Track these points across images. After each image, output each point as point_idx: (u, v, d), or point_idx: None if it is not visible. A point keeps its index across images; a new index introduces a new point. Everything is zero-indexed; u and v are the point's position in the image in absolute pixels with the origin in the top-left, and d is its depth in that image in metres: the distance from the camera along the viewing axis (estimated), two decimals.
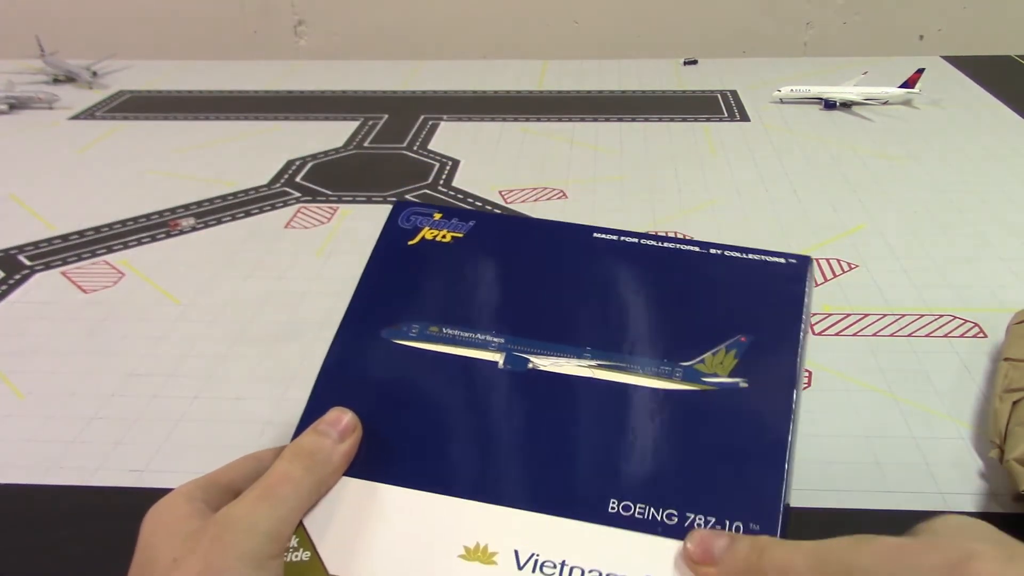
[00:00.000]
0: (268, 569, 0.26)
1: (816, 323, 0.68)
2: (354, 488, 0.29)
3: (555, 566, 0.25)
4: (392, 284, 0.35)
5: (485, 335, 0.31)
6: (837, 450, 0.54)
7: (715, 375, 0.29)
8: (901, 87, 1.19)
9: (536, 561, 0.25)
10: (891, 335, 0.66)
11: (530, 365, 0.31)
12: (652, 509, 0.27)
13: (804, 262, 0.32)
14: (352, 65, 1.45)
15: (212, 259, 0.81)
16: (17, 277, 0.78)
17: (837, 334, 0.67)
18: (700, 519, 0.26)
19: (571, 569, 0.25)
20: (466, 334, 0.31)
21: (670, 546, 0.25)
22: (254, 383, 0.62)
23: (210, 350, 0.67)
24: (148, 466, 0.55)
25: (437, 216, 0.36)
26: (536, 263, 0.34)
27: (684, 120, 1.16)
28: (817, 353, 0.64)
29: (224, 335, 0.69)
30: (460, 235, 0.35)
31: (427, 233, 0.35)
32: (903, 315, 0.69)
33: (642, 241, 0.34)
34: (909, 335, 0.66)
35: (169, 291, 0.76)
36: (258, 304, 0.73)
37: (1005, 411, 0.51)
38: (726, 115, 1.18)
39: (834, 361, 0.63)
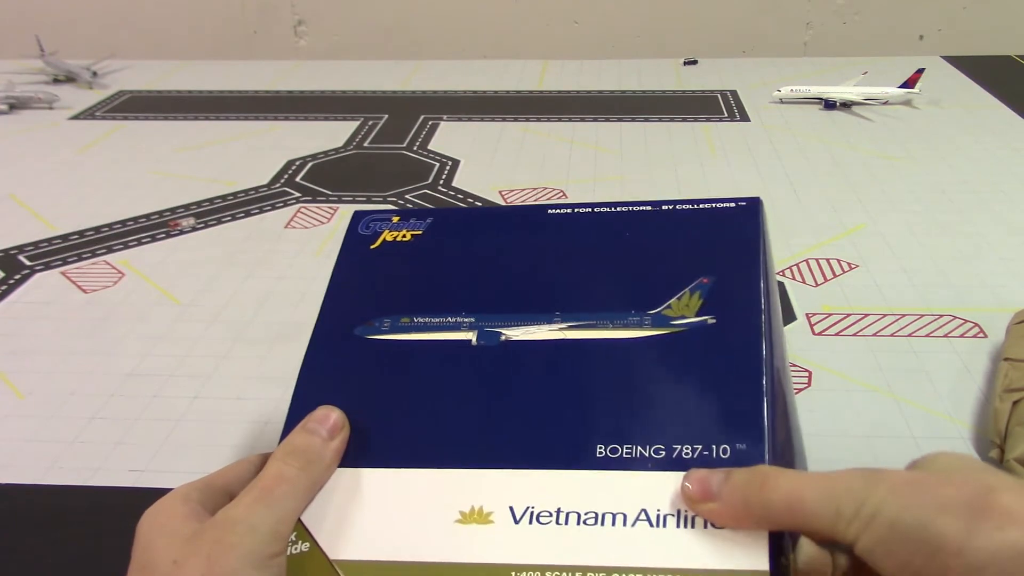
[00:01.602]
0: (271, 568, 0.26)
1: (816, 323, 0.68)
2: (345, 477, 0.29)
3: (551, 514, 0.25)
4: (359, 286, 0.35)
5: (455, 317, 0.32)
6: (837, 450, 0.54)
7: (683, 317, 0.29)
8: (901, 87, 1.19)
9: (531, 513, 0.26)
10: (891, 335, 0.66)
11: (502, 338, 0.31)
12: (639, 447, 0.27)
13: (754, 202, 0.33)
14: (352, 65, 1.45)
15: (212, 259, 0.81)
16: (17, 277, 0.78)
17: (837, 334, 0.67)
18: (687, 448, 0.27)
19: (567, 515, 0.25)
20: (437, 319, 0.32)
21: (661, 478, 0.25)
22: (254, 383, 0.62)
23: (210, 350, 0.67)
24: (148, 466, 0.55)
25: (395, 219, 0.36)
26: (496, 245, 0.34)
27: (684, 120, 1.16)
28: (817, 353, 0.64)
29: (224, 335, 0.69)
30: (419, 232, 0.36)
31: (387, 235, 0.36)
32: (903, 315, 0.69)
33: (595, 209, 0.35)
34: (909, 335, 0.66)
35: (169, 291, 0.76)
36: (258, 304, 0.73)
37: (1005, 411, 0.51)
38: (726, 115, 1.18)
39: (834, 361, 0.63)
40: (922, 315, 0.69)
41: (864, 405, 0.59)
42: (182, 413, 0.59)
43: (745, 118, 1.16)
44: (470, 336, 0.31)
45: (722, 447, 0.26)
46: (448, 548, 0.25)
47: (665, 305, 0.30)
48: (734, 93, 1.26)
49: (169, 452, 0.56)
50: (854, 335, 0.66)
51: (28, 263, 0.81)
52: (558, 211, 0.35)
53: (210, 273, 0.78)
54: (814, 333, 0.67)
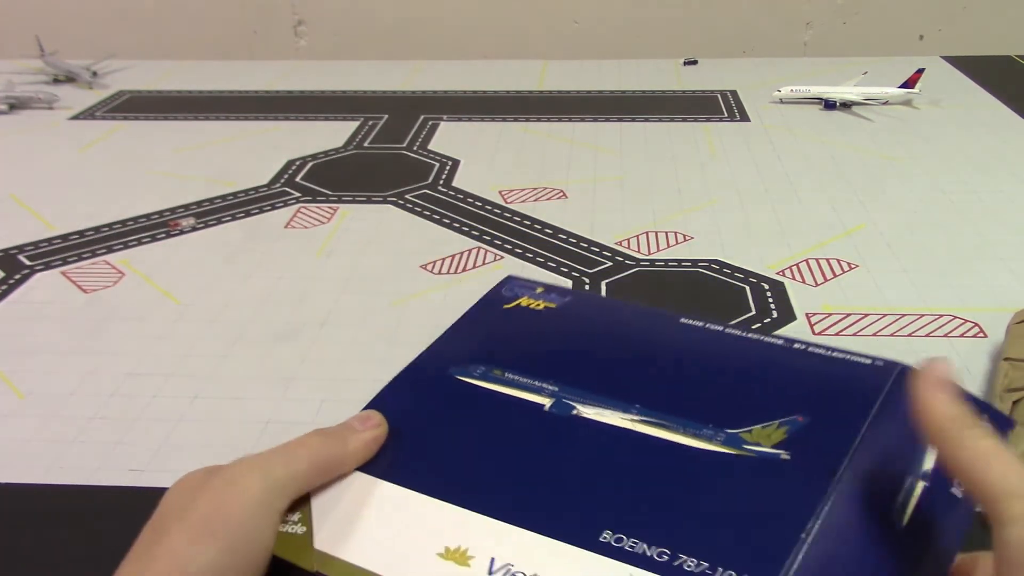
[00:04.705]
0: (270, 517, 0.27)
1: (816, 323, 0.68)
2: (364, 482, 0.30)
3: None
4: (475, 334, 0.36)
5: (542, 383, 0.32)
6: None
7: (758, 444, 0.28)
8: (901, 87, 1.19)
9: (508, 570, 0.26)
10: (891, 335, 0.66)
11: (574, 411, 0.31)
12: (644, 545, 0.26)
13: (891, 366, 0.30)
14: (352, 65, 1.45)
15: (212, 259, 0.81)
16: (17, 277, 0.78)
17: (837, 334, 0.67)
18: (692, 561, 0.26)
19: None
20: (524, 379, 0.32)
21: None
22: (254, 383, 0.62)
23: (210, 350, 0.67)
24: (148, 466, 0.55)
25: (539, 290, 0.37)
26: (616, 334, 0.35)
27: (684, 120, 1.16)
28: None
29: (224, 335, 0.69)
30: (553, 306, 0.36)
31: (524, 301, 0.37)
32: (903, 315, 0.69)
33: (726, 329, 0.34)
34: (909, 335, 0.66)
35: (169, 291, 0.76)
36: (258, 304, 0.73)
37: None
38: (726, 115, 1.18)
39: None
40: (922, 315, 0.69)
41: None
42: (182, 413, 0.59)
43: (745, 118, 1.16)
44: (545, 402, 0.31)
45: (728, 572, 0.25)
46: (418, 574, 0.26)
47: (746, 428, 0.29)
48: (734, 93, 1.26)
49: (169, 452, 0.56)
50: (854, 335, 0.66)
51: (28, 263, 0.81)
52: (689, 321, 0.35)
53: (210, 273, 0.78)
54: (814, 333, 0.67)
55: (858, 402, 0.30)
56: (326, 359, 0.65)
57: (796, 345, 0.33)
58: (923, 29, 1.42)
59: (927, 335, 0.66)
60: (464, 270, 0.77)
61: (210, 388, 0.62)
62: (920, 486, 0.29)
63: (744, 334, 0.34)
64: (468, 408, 0.32)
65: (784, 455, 0.28)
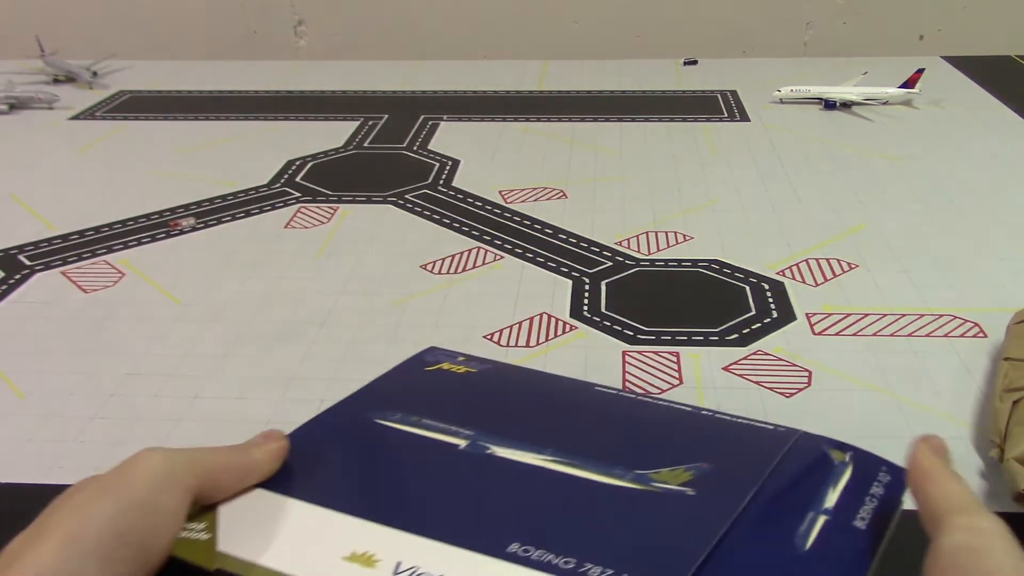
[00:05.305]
0: (172, 487, 0.28)
1: (816, 323, 0.68)
2: (271, 499, 0.31)
3: None
4: (395, 389, 0.37)
5: (458, 428, 0.34)
6: None
7: (665, 483, 0.30)
8: (901, 87, 1.19)
9: (415, 571, 0.26)
10: (891, 335, 0.66)
11: (488, 451, 0.33)
12: (552, 555, 0.27)
13: (791, 432, 0.34)
14: (352, 65, 1.45)
15: (212, 259, 0.81)
16: (17, 277, 0.78)
17: (837, 334, 0.67)
18: (597, 569, 0.27)
19: None
20: (440, 425, 0.34)
21: None
22: (254, 383, 0.62)
23: (210, 350, 0.67)
24: None
25: (461, 358, 0.39)
26: (533, 395, 0.37)
27: (684, 120, 1.16)
28: (817, 353, 0.64)
29: (224, 335, 0.69)
30: (474, 371, 0.38)
31: (446, 366, 0.39)
32: (903, 315, 0.69)
33: (638, 397, 0.37)
34: (909, 335, 0.66)
35: (169, 291, 0.76)
36: (258, 304, 0.73)
37: (1005, 411, 0.51)
38: (726, 115, 1.18)
39: (834, 361, 0.63)
40: (922, 315, 0.69)
41: (864, 405, 0.59)
42: (182, 413, 0.59)
43: (745, 118, 1.16)
44: (461, 443, 0.33)
45: None
46: (320, 572, 0.26)
47: (654, 470, 0.31)
48: (734, 93, 1.26)
49: None
50: (854, 335, 0.66)
51: (28, 263, 0.81)
52: (602, 389, 0.38)
53: (210, 273, 0.78)
54: (814, 333, 0.67)
55: (760, 455, 0.32)
56: (326, 359, 0.65)
57: (704, 412, 0.35)
58: (923, 29, 1.42)
59: (927, 335, 0.66)
60: (464, 270, 0.77)
61: (210, 388, 0.62)
62: (822, 519, 0.31)
63: (656, 401, 0.37)
64: (383, 442, 0.33)
65: (689, 491, 0.30)
